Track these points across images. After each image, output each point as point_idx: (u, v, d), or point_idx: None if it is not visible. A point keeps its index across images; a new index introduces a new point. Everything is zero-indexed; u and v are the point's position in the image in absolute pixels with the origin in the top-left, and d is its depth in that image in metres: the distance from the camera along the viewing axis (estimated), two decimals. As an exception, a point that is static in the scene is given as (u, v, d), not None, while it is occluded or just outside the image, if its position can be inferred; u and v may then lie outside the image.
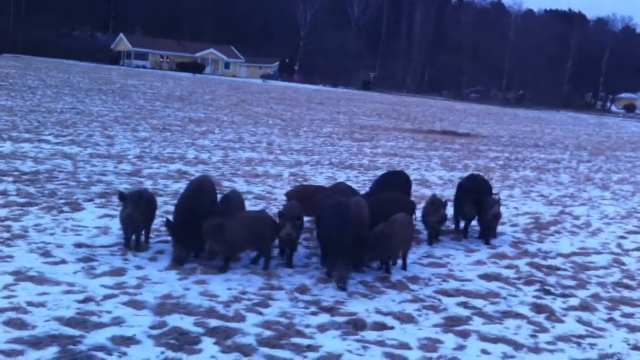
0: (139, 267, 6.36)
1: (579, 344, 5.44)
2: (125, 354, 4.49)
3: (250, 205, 8.93)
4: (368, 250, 6.58)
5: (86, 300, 5.34)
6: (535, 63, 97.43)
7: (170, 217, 6.83)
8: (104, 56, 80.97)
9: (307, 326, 5.26)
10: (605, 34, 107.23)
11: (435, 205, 8.15)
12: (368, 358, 4.80)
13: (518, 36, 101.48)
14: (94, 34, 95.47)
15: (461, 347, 5.14)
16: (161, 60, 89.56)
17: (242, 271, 6.51)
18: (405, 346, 5.05)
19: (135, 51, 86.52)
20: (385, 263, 6.91)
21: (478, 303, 6.22)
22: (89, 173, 10.95)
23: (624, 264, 8.21)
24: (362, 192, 9.13)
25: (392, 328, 5.39)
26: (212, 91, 43.58)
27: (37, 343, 4.49)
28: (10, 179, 9.77)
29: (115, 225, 7.47)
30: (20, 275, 5.74)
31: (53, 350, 4.42)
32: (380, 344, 5.06)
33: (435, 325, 5.55)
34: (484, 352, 5.10)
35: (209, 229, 6.25)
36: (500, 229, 9.10)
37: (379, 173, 12.04)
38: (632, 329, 5.90)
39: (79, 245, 6.82)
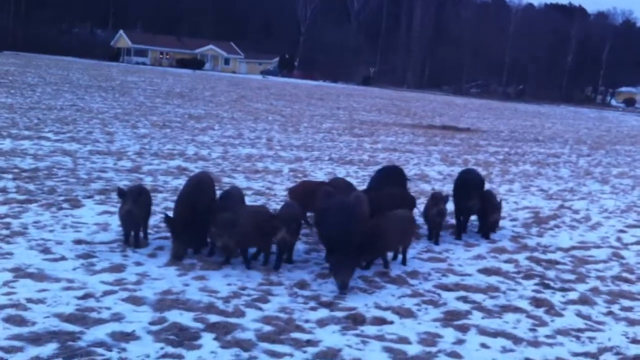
0: (138, 263, 6.37)
1: (578, 338, 5.45)
2: (124, 349, 4.50)
3: (249, 201, 8.94)
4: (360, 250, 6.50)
5: (85, 297, 5.36)
6: (535, 57, 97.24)
7: (170, 213, 6.84)
8: (104, 53, 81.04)
9: (307, 321, 5.28)
10: (605, 27, 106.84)
11: (436, 200, 8.15)
12: (367, 352, 4.81)
13: (518, 30, 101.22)
14: (93, 31, 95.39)
15: (460, 341, 5.15)
16: (161, 56, 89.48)
17: (241, 266, 6.51)
18: (404, 340, 5.06)
19: (134, 47, 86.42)
20: (382, 258, 6.90)
21: (477, 297, 6.23)
22: (88, 170, 10.95)
23: (623, 258, 8.23)
24: (362, 188, 9.12)
25: (391, 322, 5.41)
26: (211, 87, 43.54)
27: (37, 339, 4.50)
28: (10, 175, 9.78)
29: (115, 222, 7.48)
30: (20, 272, 5.76)
31: (52, 346, 4.43)
32: (380, 338, 5.07)
33: (434, 320, 5.56)
34: (483, 345, 5.12)
35: (221, 224, 6.24)
36: (499, 223, 9.09)
37: (379, 168, 12.02)
38: (631, 322, 5.91)
39: (78, 242, 6.84)
